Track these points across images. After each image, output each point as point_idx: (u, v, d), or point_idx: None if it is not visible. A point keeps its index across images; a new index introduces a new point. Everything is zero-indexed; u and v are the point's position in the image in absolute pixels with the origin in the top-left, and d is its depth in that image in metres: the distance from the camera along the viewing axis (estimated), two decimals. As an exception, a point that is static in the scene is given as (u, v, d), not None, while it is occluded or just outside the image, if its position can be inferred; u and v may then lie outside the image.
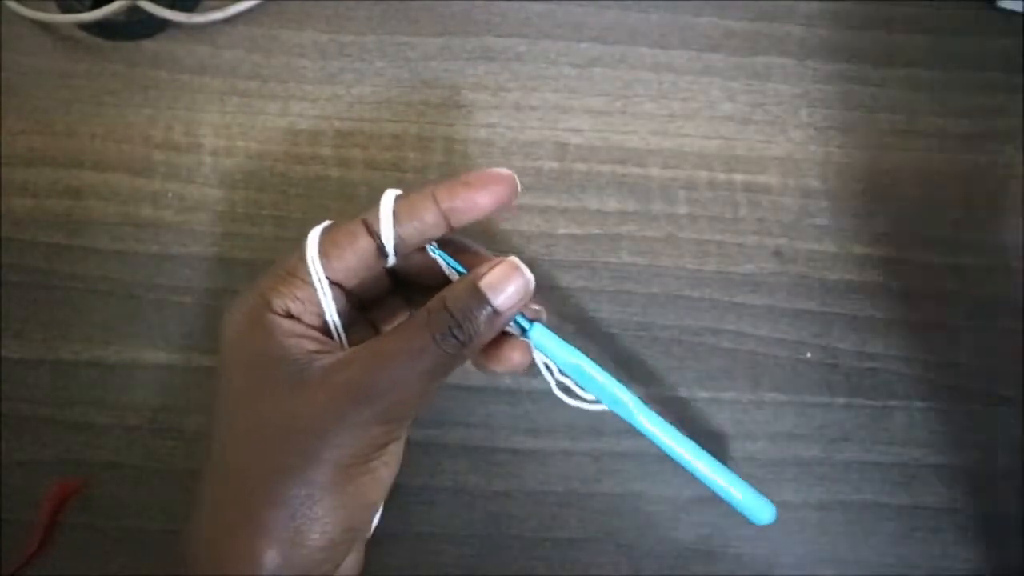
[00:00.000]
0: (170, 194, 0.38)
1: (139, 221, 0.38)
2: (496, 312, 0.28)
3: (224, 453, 0.28)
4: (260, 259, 0.38)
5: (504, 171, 0.30)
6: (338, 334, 0.30)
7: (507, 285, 0.28)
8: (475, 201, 0.29)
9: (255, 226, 0.38)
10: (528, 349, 0.30)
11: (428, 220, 0.29)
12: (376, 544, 0.32)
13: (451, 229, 0.30)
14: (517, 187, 0.30)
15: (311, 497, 0.26)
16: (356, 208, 0.38)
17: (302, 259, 0.29)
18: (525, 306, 0.30)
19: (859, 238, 0.39)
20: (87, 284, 0.37)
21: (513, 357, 0.30)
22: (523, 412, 0.36)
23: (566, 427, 0.36)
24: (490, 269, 0.28)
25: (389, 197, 0.29)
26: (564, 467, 0.36)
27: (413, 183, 0.39)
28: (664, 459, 0.30)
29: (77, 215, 0.38)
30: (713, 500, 0.31)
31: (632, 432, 0.30)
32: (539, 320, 0.31)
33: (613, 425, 0.35)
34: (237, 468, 0.27)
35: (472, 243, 0.32)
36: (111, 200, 0.38)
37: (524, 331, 0.30)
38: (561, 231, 0.38)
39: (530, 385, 0.36)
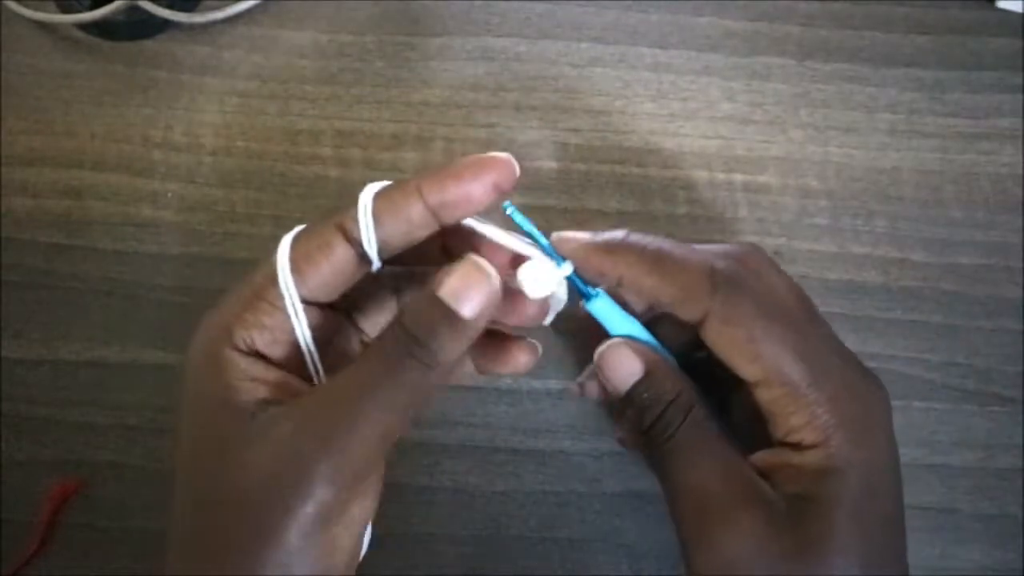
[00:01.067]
0: (170, 194, 0.38)
1: (139, 221, 0.38)
2: (463, 322, 0.24)
3: (181, 519, 0.25)
4: (260, 259, 0.37)
5: (499, 155, 0.26)
6: (315, 367, 0.26)
7: (471, 290, 0.24)
8: (468, 194, 0.25)
9: (255, 226, 0.38)
10: (535, 350, 0.28)
11: (414, 219, 0.25)
12: (376, 544, 0.32)
13: (442, 226, 0.26)
14: (515, 171, 0.26)
15: (275, 570, 0.22)
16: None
17: (271, 279, 0.25)
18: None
19: (859, 238, 0.38)
20: (87, 284, 0.37)
21: (519, 359, 0.28)
22: (523, 412, 0.36)
23: (566, 427, 0.36)
24: (447, 275, 0.24)
25: (368, 196, 0.25)
26: (564, 467, 0.36)
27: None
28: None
29: (77, 215, 0.38)
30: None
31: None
32: (601, 287, 0.28)
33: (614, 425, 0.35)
34: (193, 540, 0.24)
35: (481, 225, 0.28)
36: (111, 200, 0.38)
37: (585, 297, 0.28)
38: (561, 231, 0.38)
39: (530, 385, 0.36)
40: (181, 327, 0.37)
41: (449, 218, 0.26)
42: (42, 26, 0.40)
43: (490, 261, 0.25)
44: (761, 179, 0.39)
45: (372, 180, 0.38)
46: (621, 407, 0.28)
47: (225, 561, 0.23)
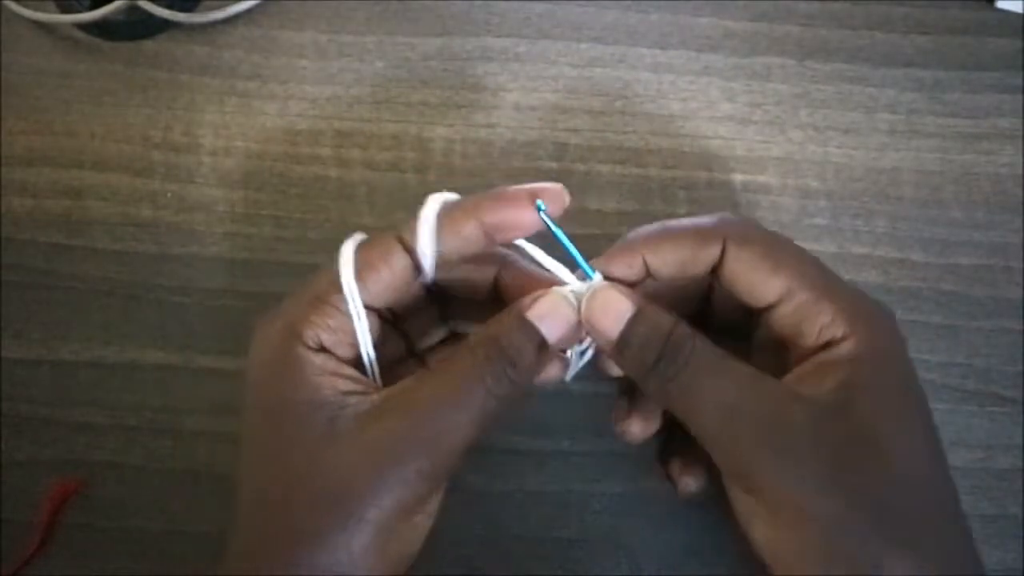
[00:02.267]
0: (170, 194, 0.38)
1: (139, 221, 0.38)
2: (545, 344, 0.26)
3: (248, 512, 0.26)
4: (259, 259, 0.38)
5: (551, 186, 0.27)
6: (372, 370, 0.28)
7: (556, 315, 0.26)
8: (521, 219, 0.27)
9: (254, 226, 0.38)
10: (564, 364, 0.29)
11: (470, 237, 0.27)
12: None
13: (492, 245, 0.28)
14: (565, 200, 0.27)
15: (351, 563, 0.24)
16: (355, 208, 0.38)
17: (334, 284, 0.26)
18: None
19: (859, 238, 0.38)
20: (87, 284, 0.37)
21: (550, 371, 0.28)
22: (523, 412, 0.36)
23: (566, 427, 0.36)
24: (535, 300, 0.27)
25: (431, 210, 0.27)
26: (564, 467, 0.36)
27: (413, 183, 0.39)
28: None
29: (77, 215, 0.38)
30: (714, 499, 0.31)
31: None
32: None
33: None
34: (263, 530, 0.25)
35: (522, 257, 0.29)
36: (111, 200, 0.38)
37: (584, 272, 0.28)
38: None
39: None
40: (181, 327, 0.37)
41: (500, 239, 0.27)
42: (42, 26, 0.40)
43: (526, 286, 0.28)
44: (761, 179, 0.39)
45: (371, 180, 0.39)
46: (617, 352, 0.27)
47: (311, 547, 0.24)
